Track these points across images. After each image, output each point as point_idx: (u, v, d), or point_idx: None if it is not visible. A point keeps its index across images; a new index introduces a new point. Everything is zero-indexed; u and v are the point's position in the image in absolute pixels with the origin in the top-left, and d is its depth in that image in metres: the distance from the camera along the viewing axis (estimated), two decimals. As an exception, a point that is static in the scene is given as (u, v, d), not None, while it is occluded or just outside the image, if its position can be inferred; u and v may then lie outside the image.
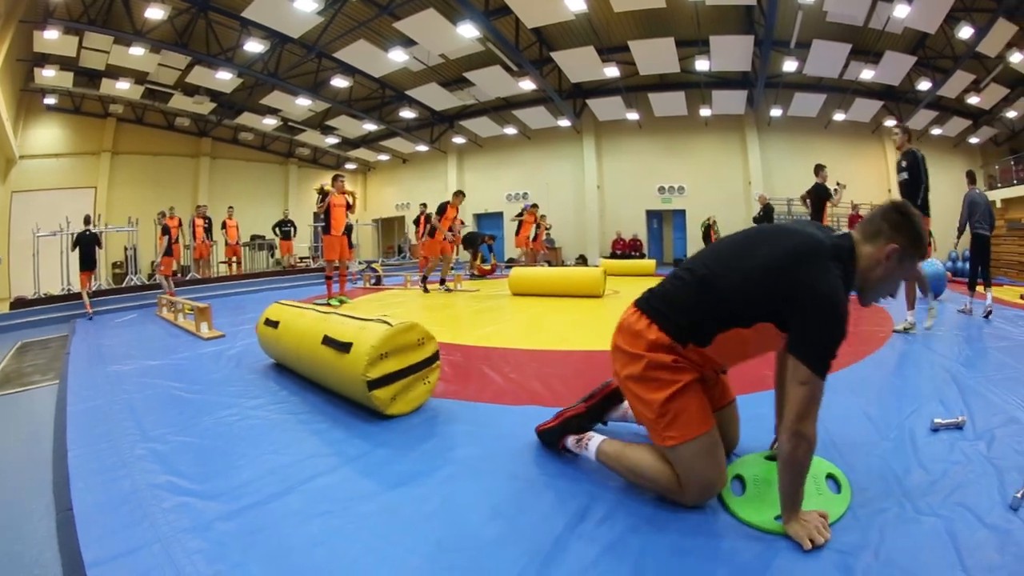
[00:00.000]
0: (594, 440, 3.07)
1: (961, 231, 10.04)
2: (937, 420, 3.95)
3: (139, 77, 19.91)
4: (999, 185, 25.10)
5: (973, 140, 26.76)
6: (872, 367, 5.90)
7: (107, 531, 2.41)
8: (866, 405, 4.53)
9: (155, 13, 15.23)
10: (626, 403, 3.40)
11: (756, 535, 2.48)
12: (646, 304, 2.90)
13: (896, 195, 23.24)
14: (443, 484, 2.93)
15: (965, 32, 17.74)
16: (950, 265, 21.02)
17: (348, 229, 12.21)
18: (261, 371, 5.44)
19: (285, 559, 2.21)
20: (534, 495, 2.81)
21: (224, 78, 19.80)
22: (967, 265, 10.84)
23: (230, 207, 20.37)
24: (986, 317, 9.00)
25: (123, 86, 19.82)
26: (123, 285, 15.22)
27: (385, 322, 4.07)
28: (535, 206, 20.03)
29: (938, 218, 23.22)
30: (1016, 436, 3.70)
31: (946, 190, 24.38)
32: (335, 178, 11.81)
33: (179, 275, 17.31)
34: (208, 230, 18.79)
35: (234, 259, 20.34)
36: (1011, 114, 24.03)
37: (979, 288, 9.63)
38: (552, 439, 3.30)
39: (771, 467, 3.04)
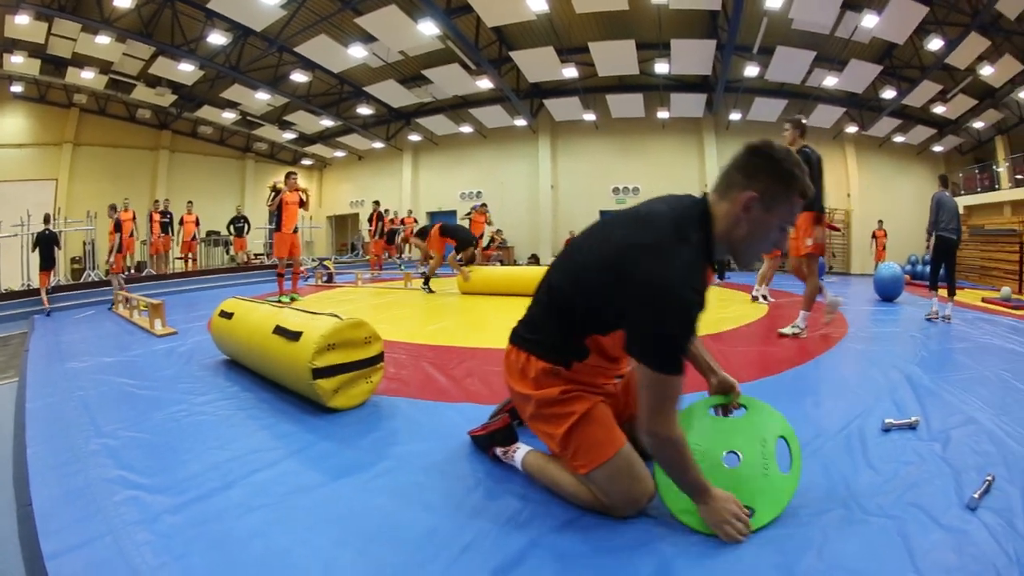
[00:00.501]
0: (520, 451, 3.07)
1: (931, 232, 9.91)
2: (888, 420, 3.93)
3: (104, 67, 19.95)
4: (962, 192, 25.55)
5: (937, 148, 27.06)
6: (821, 369, 5.94)
7: (64, 524, 2.51)
8: (811, 406, 4.52)
9: (123, 1, 15.27)
10: None
11: (688, 532, 2.48)
12: (517, 337, 2.89)
13: (855, 199, 23.35)
14: (378, 479, 3.01)
15: (935, 44, 17.94)
16: (909, 268, 21.36)
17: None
18: (211, 367, 5.57)
19: (224, 551, 2.29)
20: (465, 492, 2.85)
21: (186, 70, 19.91)
22: (928, 268, 11.02)
23: (189, 202, 20.35)
24: (944, 321, 9.07)
25: (88, 75, 19.90)
26: (81, 281, 15.13)
27: (335, 316, 4.22)
28: (484, 206, 19.97)
29: (900, 223, 23.63)
30: (974, 436, 3.73)
31: (908, 197, 25.43)
32: (288, 175, 11.75)
33: (131, 271, 17.28)
34: (167, 225, 18.70)
35: (189, 255, 20.23)
36: (978, 124, 24.39)
37: (941, 291, 9.72)
38: (482, 446, 3.31)
39: (716, 430, 2.92)
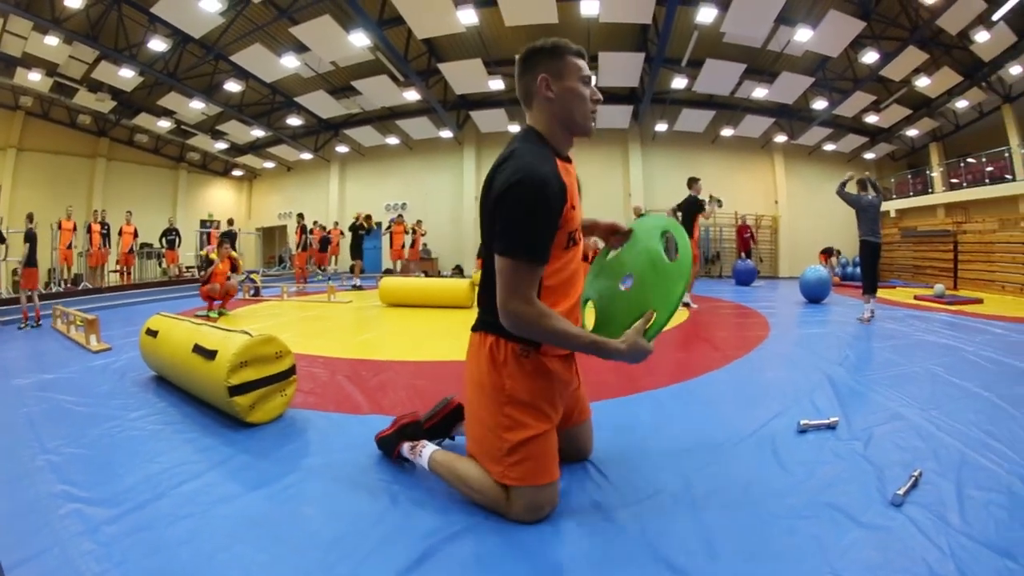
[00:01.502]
0: (427, 449, 3.19)
1: (842, 186, 10.39)
2: (804, 421, 4.01)
3: (50, 68, 19.78)
4: (894, 196, 26.76)
5: (868, 156, 27.81)
6: (738, 372, 6.10)
7: (18, 537, 2.68)
8: (723, 411, 4.65)
9: (74, 1, 15.37)
10: None
11: (583, 537, 2.62)
12: (482, 323, 2.92)
13: (783, 205, 23.95)
14: (291, 488, 3.20)
15: (870, 57, 18.38)
16: (839, 271, 22.40)
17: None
18: (142, 383, 5.77)
19: (157, 557, 2.49)
20: (371, 500, 3.02)
21: (126, 76, 19.85)
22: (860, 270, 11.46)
23: (128, 212, 20.15)
24: (867, 321, 9.44)
25: (35, 77, 19.73)
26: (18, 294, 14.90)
27: (246, 333, 4.44)
28: (400, 217, 20.95)
29: (831, 229, 24.22)
30: (900, 432, 3.90)
31: (838, 202, 25.43)
32: (221, 243, 12.17)
33: (67, 283, 17.25)
34: (106, 236, 18.44)
35: (125, 268, 19.97)
36: (912, 132, 25.10)
37: (879, 292, 10.04)
38: (389, 446, 3.43)
39: (610, 267, 3.15)
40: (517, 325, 2.59)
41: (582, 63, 2.86)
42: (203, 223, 29.41)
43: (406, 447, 3.32)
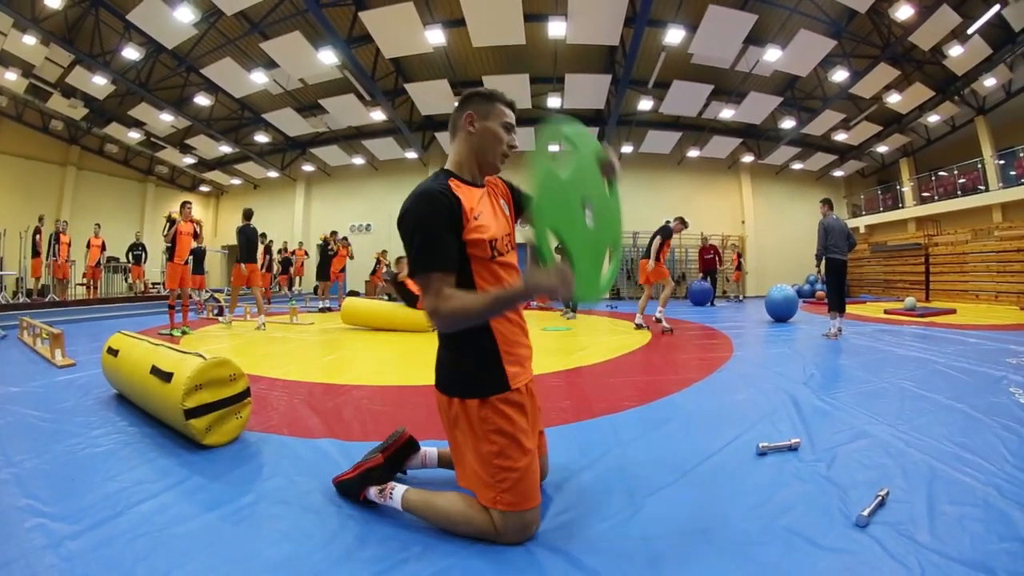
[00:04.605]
0: (397, 490, 3.11)
1: (820, 257, 10.31)
2: (763, 444, 3.95)
3: (26, 69, 19.78)
4: (863, 213, 27.59)
5: (837, 173, 28.43)
6: (696, 395, 5.99)
7: None
8: (676, 436, 4.53)
9: (54, 1, 15.46)
10: (424, 450, 3.62)
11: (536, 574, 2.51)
12: (447, 382, 2.98)
13: (750, 226, 24.27)
14: (244, 510, 3.21)
15: (840, 75, 18.74)
16: (808, 288, 22.86)
17: (201, 254, 12.56)
18: (105, 401, 5.84)
19: (116, 573, 2.54)
20: (320, 522, 3.04)
21: (99, 83, 19.77)
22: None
23: (96, 224, 20.14)
24: (837, 334, 9.63)
25: (11, 76, 19.67)
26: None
27: (200, 356, 4.48)
28: (345, 240, 20.68)
29: (800, 246, 24.65)
30: (866, 451, 3.88)
31: (809, 220, 26.02)
32: (183, 205, 11.96)
33: (34, 294, 17.19)
34: (71, 247, 18.25)
35: (92, 282, 19.88)
36: (882, 149, 25.74)
37: (848, 308, 10.15)
38: (352, 490, 3.30)
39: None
40: (452, 322, 2.66)
41: (509, 112, 3.06)
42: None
43: (373, 491, 3.23)
